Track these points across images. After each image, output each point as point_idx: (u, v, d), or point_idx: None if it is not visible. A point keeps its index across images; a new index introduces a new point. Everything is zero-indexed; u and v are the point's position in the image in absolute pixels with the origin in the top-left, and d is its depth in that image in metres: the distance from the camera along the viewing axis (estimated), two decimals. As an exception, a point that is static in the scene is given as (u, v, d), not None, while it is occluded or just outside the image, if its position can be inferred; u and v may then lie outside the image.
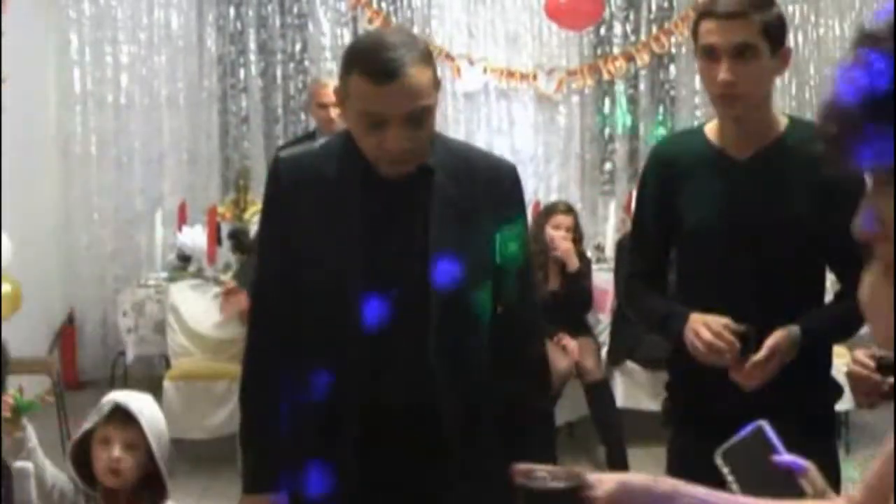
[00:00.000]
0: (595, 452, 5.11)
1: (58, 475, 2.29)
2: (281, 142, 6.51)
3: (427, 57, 1.88)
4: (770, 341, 2.10)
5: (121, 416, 2.26)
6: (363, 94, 1.83)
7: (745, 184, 2.21)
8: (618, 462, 4.70)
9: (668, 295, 2.38)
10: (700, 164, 2.26)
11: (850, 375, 2.08)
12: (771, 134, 2.23)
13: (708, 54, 2.15)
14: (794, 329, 2.12)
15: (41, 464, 2.23)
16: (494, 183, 2.00)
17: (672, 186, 2.28)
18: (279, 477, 1.98)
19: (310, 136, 4.63)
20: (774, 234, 2.18)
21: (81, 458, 2.29)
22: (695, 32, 2.20)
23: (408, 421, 1.93)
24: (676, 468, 2.39)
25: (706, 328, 2.10)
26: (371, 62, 1.82)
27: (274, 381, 2.00)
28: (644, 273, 2.37)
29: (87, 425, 2.29)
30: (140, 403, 2.31)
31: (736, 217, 2.20)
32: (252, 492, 2.01)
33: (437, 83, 1.90)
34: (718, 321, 2.11)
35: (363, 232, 1.93)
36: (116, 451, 2.23)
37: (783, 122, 2.25)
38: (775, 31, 2.16)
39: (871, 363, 2.03)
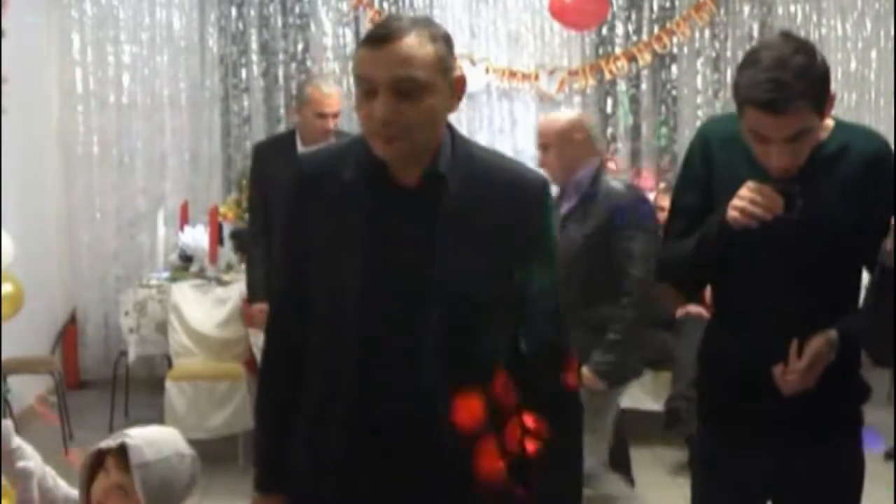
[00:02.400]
0: (597, 452, 5.11)
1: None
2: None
3: (435, 36, 1.80)
4: (810, 350, 2.09)
5: (124, 454, 2.03)
6: (359, 61, 1.82)
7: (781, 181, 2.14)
8: (620, 462, 4.68)
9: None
10: (737, 151, 2.18)
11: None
12: None
13: (759, 138, 2.05)
14: (833, 334, 2.11)
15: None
16: (514, 196, 1.85)
17: (711, 167, 2.24)
18: (282, 480, 1.97)
19: (290, 134, 4.58)
20: (810, 234, 2.13)
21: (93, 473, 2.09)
22: (739, 111, 2.07)
23: (398, 442, 1.82)
24: (705, 465, 2.39)
25: (746, 188, 2.05)
26: (371, 31, 1.83)
27: (283, 388, 1.96)
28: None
29: (101, 445, 2.08)
30: (150, 451, 2.04)
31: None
32: (258, 490, 2.02)
33: (443, 66, 1.80)
34: (759, 184, 2.05)
35: (365, 239, 1.84)
36: (104, 489, 2.03)
37: (828, 124, 2.16)
38: (822, 98, 2.02)
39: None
